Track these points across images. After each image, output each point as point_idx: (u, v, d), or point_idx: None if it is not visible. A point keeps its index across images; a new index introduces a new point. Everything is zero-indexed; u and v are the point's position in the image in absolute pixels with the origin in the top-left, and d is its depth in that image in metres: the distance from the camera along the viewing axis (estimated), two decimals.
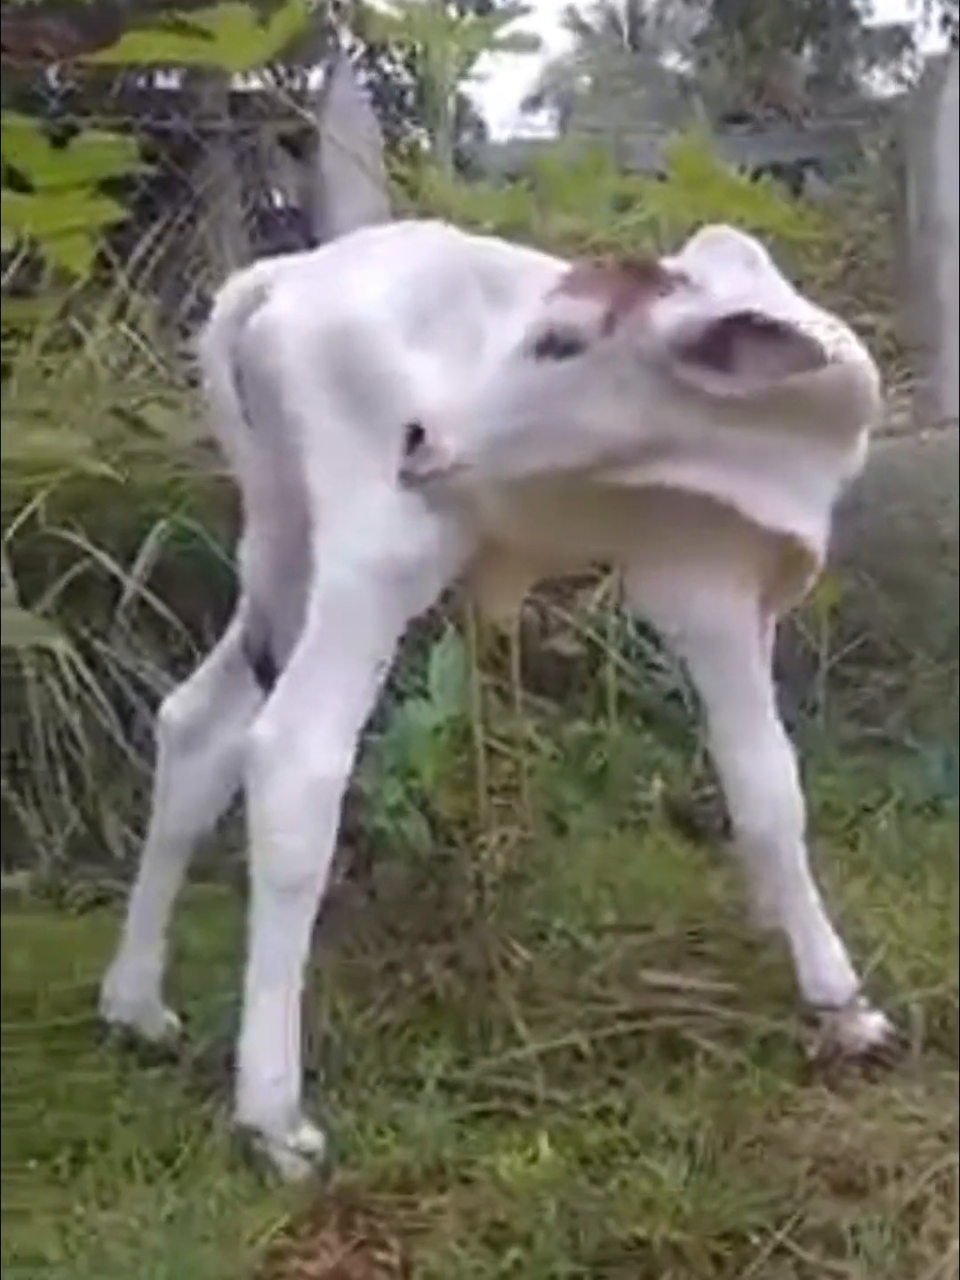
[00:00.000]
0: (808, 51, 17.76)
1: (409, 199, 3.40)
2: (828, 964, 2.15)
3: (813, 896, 2.17)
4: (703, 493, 1.98)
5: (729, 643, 2.14)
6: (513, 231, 3.44)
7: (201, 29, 2.46)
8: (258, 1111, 1.89)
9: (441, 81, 2.99)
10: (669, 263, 2.03)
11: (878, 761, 3.16)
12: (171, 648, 3.38)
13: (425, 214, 3.04)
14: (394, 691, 3.35)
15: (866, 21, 18.60)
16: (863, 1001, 2.13)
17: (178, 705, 2.21)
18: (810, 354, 1.86)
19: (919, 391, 5.26)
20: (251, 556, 2.13)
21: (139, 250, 4.06)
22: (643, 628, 3.57)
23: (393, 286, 2.00)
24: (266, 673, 2.07)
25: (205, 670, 2.23)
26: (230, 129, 5.25)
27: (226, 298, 2.06)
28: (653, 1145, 1.84)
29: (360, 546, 1.96)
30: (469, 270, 2.05)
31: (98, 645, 3.24)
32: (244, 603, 2.17)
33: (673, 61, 22.18)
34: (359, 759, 3.12)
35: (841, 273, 4.89)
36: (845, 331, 2.00)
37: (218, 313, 2.06)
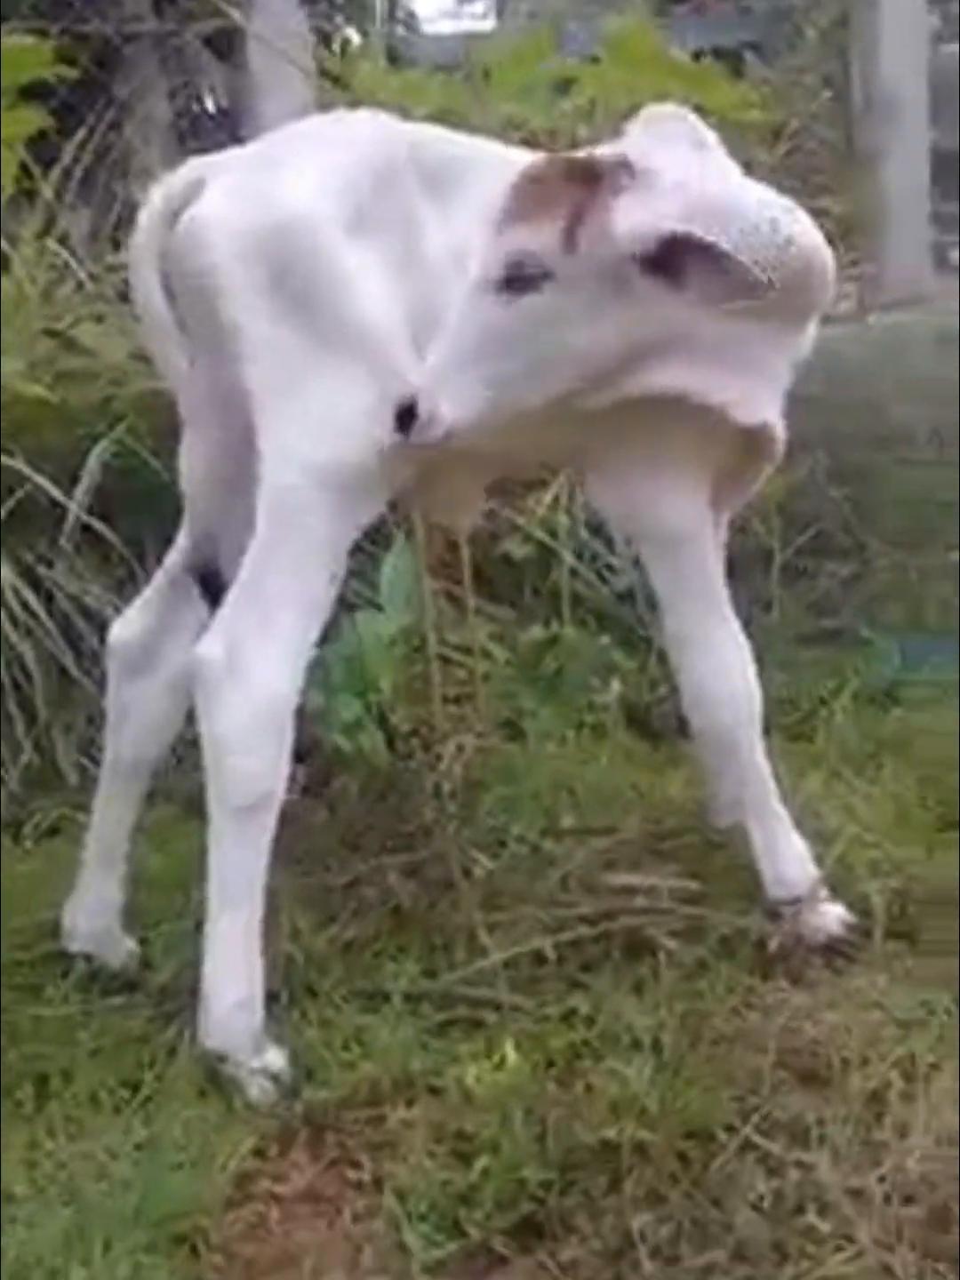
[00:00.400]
0: None
1: (341, 92, 3.31)
2: (788, 857, 2.15)
3: (772, 791, 2.16)
4: (682, 393, 1.95)
5: (687, 541, 2.12)
6: (449, 120, 3.35)
7: None
8: (222, 1036, 1.88)
9: None
10: (609, 151, 1.97)
11: (834, 653, 3.15)
12: (117, 570, 3.33)
13: (355, 106, 2.95)
14: (345, 604, 3.32)
15: None
16: (823, 893, 2.13)
17: (125, 627, 2.16)
18: (751, 283, 1.82)
19: (865, 276, 5.21)
20: (190, 467, 2.06)
21: (64, 161, 3.92)
22: (595, 528, 3.55)
23: (324, 177, 1.93)
24: (213, 588, 2.02)
25: (151, 590, 2.18)
26: (154, 30, 5.07)
27: (153, 200, 1.98)
28: (618, 1046, 1.85)
29: (307, 450, 1.90)
30: (403, 158, 1.99)
31: (42, 571, 3.18)
32: (187, 517, 2.12)
33: None
34: (311, 674, 3.14)
35: (785, 156, 4.80)
36: (802, 214, 1.95)
37: (145, 216, 1.97)
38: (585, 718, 3.05)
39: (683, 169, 1.90)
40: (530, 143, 2.73)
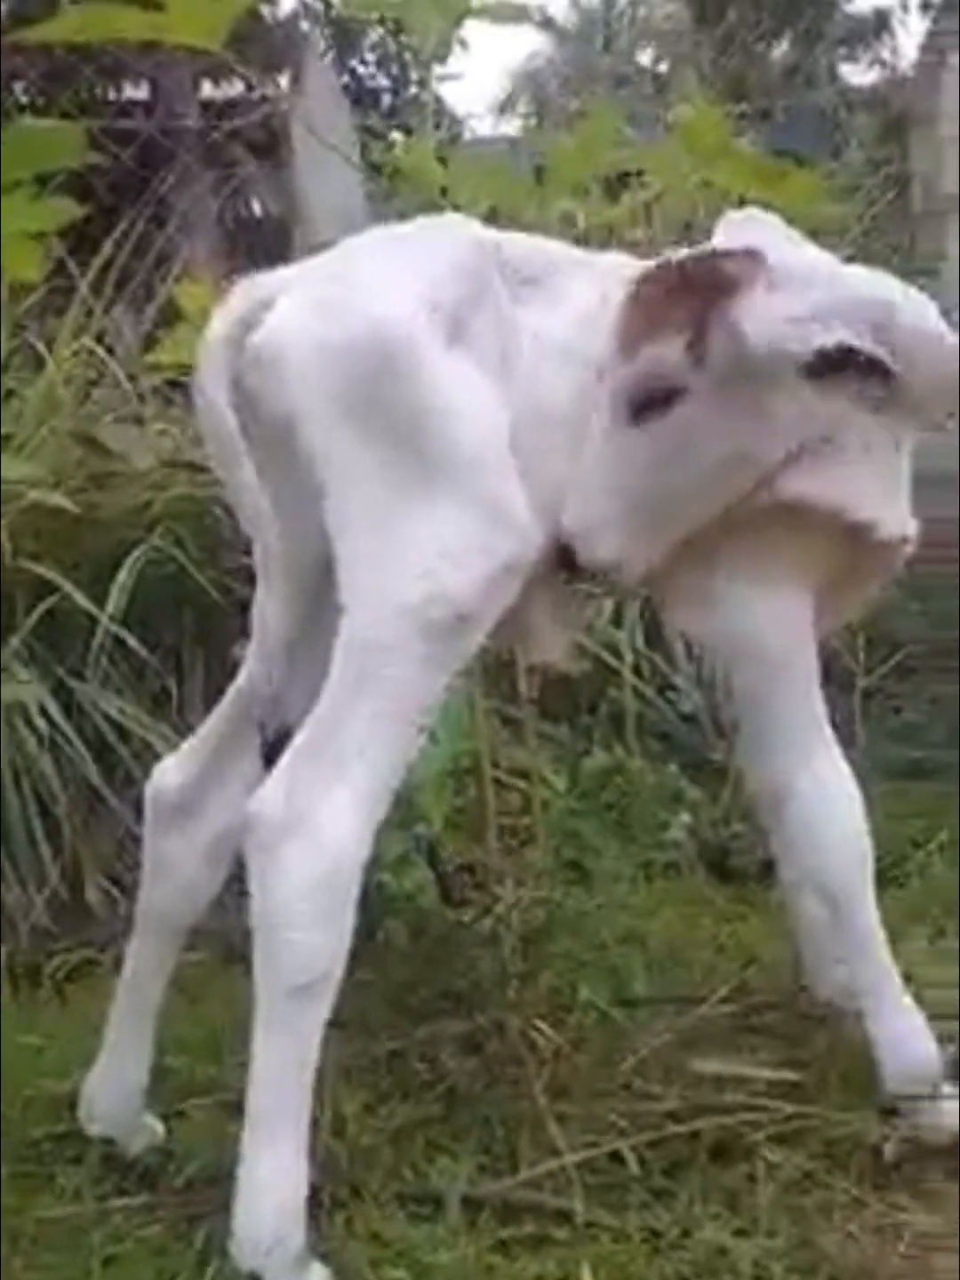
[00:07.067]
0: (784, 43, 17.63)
1: (392, 182, 3.17)
2: (910, 1042, 1.86)
3: (887, 957, 1.87)
4: (828, 506, 1.83)
5: (791, 665, 1.91)
6: (501, 217, 3.18)
7: (154, 1, 2.24)
8: (259, 1255, 1.60)
9: (422, 50, 2.75)
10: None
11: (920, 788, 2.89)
12: (152, 685, 3.14)
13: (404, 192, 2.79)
14: None
15: (845, 6, 18.65)
16: (948, 1086, 1.85)
17: (167, 774, 1.90)
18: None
19: None
20: (261, 621, 1.80)
21: (102, 257, 3.77)
22: (653, 643, 3.34)
23: (414, 285, 1.72)
24: (279, 753, 1.72)
25: (202, 735, 1.92)
26: (197, 126, 4.97)
27: (222, 314, 1.74)
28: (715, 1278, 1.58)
29: (399, 590, 1.65)
30: (491, 261, 1.79)
31: (74, 685, 2.99)
32: (254, 671, 1.83)
33: (646, 60, 21.71)
34: None
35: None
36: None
37: (212, 333, 1.73)
38: (654, 856, 2.80)
39: (805, 263, 1.75)
40: (581, 242, 2.55)
